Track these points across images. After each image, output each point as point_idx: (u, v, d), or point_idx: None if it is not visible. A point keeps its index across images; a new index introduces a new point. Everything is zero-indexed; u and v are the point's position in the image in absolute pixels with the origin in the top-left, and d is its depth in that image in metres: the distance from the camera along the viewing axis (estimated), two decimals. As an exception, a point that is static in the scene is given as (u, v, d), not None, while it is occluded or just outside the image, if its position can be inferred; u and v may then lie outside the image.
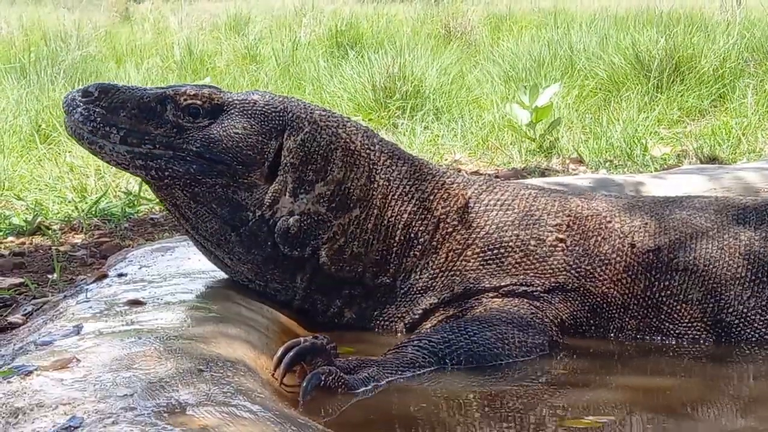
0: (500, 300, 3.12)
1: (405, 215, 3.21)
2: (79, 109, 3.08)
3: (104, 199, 5.40)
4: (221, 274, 3.35)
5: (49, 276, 4.05)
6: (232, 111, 3.13)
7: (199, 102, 3.12)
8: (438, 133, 7.52)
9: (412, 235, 3.21)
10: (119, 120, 3.08)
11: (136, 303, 3.03)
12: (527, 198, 3.33)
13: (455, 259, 3.20)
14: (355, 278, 3.21)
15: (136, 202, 5.39)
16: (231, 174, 3.10)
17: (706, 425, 2.56)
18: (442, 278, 3.19)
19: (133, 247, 4.02)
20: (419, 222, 3.22)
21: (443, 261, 3.21)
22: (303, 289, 3.20)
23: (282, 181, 3.13)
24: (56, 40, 11.58)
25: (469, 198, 3.28)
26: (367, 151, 3.22)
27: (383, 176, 3.21)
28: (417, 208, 3.23)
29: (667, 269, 3.19)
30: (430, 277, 3.20)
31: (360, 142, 3.21)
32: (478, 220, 3.25)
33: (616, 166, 6.52)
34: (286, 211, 3.13)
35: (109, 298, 3.11)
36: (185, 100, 3.12)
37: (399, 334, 3.20)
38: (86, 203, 5.36)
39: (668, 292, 3.17)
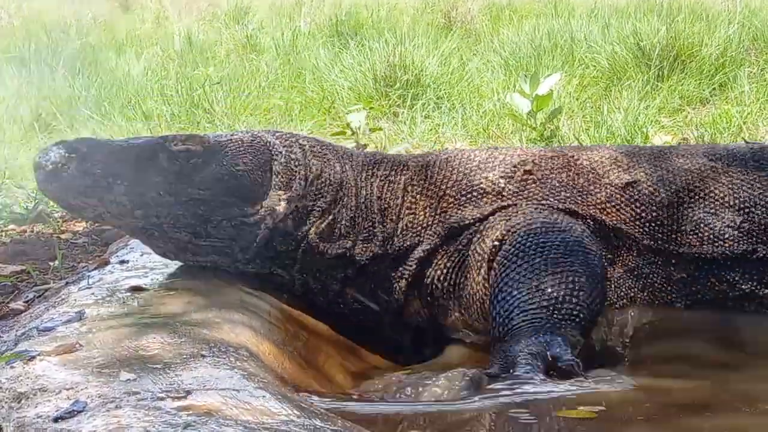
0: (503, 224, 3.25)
1: (375, 189, 3.38)
2: (72, 166, 3.02)
3: (105, 188, 5.38)
4: (223, 261, 3.34)
5: (51, 263, 4.04)
6: (227, 152, 3.21)
7: (192, 146, 3.16)
8: (438, 122, 7.50)
9: (386, 204, 3.36)
10: (118, 172, 3.06)
11: (138, 289, 3.03)
12: (483, 151, 3.49)
13: (433, 212, 3.35)
14: (346, 256, 3.30)
15: (137, 191, 5.37)
16: (241, 206, 3.18)
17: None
18: (427, 230, 3.33)
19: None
20: (388, 192, 3.38)
21: (422, 217, 3.35)
22: (299, 275, 3.27)
23: (275, 196, 3.25)
24: (56, 29, 11.57)
25: (428, 161, 3.45)
26: (329, 148, 3.42)
27: (350, 163, 3.40)
28: (383, 182, 3.39)
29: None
30: (415, 233, 3.34)
31: (318, 142, 3.43)
32: (443, 174, 3.40)
33: (617, 154, 6.50)
34: (281, 216, 3.23)
35: (111, 285, 3.11)
36: (176, 145, 3.15)
37: (401, 296, 3.32)
38: (87, 191, 5.34)
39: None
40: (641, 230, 3.30)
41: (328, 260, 3.28)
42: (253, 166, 3.22)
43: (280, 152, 3.29)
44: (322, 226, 3.28)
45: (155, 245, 3.21)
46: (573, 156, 3.44)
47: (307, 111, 7.83)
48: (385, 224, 3.35)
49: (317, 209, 3.29)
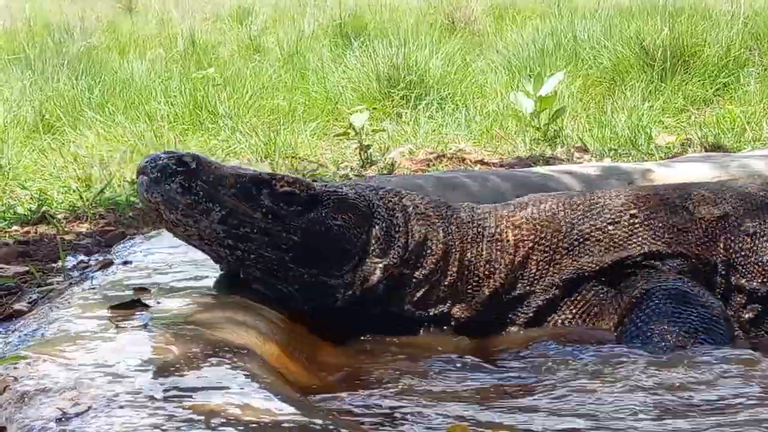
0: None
1: (484, 252, 3.31)
2: (178, 179, 2.99)
3: (109, 189, 5.40)
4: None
5: (54, 264, 4.04)
6: (328, 203, 3.16)
7: (296, 190, 3.13)
8: (442, 122, 7.51)
9: (495, 265, 3.30)
10: (219, 197, 3.04)
11: (141, 290, 3.02)
12: (582, 197, 3.46)
13: (546, 264, 3.32)
14: (439, 316, 3.26)
15: (140, 192, 5.37)
16: (326, 265, 3.13)
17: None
18: (540, 281, 3.31)
19: (138, 236, 4.01)
20: (498, 252, 3.31)
21: (535, 270, 3.32)
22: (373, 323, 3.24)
23: (371, 263, 3.18)
24: (60, 31, 11.58)
25: (533, 216, 3.40)
26: (435, 209, 3.33)
27: (455, 224, 3.32)
28: (491, 242, 3.32)
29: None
30: (526, 284, 3.31)
31: (424, 204, 3.33)
32: (552, 226, 3.36)
33: (620, 154, 6.51)
34: (373, 283, 3.16)
35: (115, 286, 3.11)
36: (282, 186, 3.11)
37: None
38: (91, 192, 5.36)
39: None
40: (734, 265, 3.33)
41: (418, 319, 3.24)
42: (352, 225, 3.17)
43: (383, 216, 3.23)
44: (418, 294, 3.22)
45: (222, 262, 3.17)
46: (664, 194, 3.44)
47: (311, 112, 7.84)
48: (491, 283, 3.29)
49: (415, 279, 3.22)
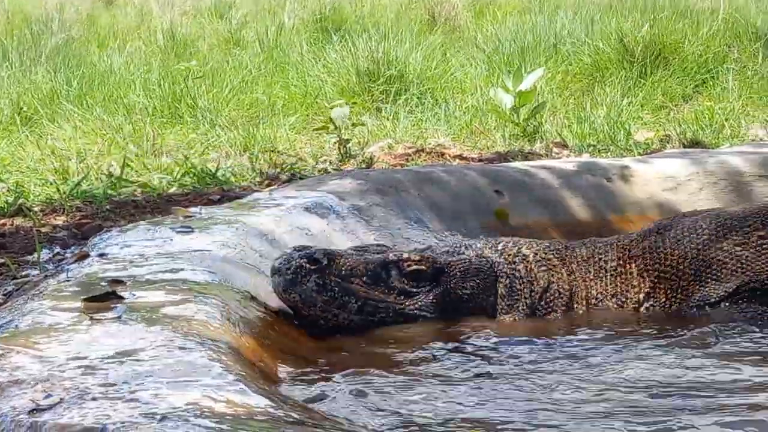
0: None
1: (609, 286, 3.37)
2: (313, 278, 3.11)
3: (86, 182, 5.37)
4: (203, 255, 3.33)
5: (30, 257, 4.02)
6: (455, 274, 3.27)
7: (423, 267, 3.24)
8: (421, 117, 7.50)
9: (623, 297, 3.36)
10: (353, 289, 3.15)
11: (116, 282, 3.00)
12: (708, 219, 3.46)
13: (674, 293, 3.35)
14: None
15: (118, 185, 5.36)
16: None
17: None
18: (671, 309, 3.34)
19: (114, 228, 3.99)
20: (624, 284, 3.37)
21: (664, 299, 3.35)
22: None
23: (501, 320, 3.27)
24: (38, 23, 11.52)
25: (653, 244, 3.43)
26: (555, 251, 3.42)
27: (575, 263, 3.41)
28: (615, 275, 3.37)
29: None
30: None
31: (543, 249, 3.42)
32: (676, 252, 3.37)
33: (599, 150, 6.52)
34: None
35: (90, 278, 3.09)
36: (409, 265, 3.23)
37: None
38: (68, 185, 5.33)
39: None
40: None
41: None
42: (479, 290, 3.28)
43: (504, 272, 3.31)
44: None
45: None
46: None
47: (290, 106, 7.83)
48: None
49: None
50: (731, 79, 8.01)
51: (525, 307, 3.28)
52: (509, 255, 3.37)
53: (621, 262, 3.38)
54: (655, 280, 3.35)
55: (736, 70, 8.27)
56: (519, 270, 3.32)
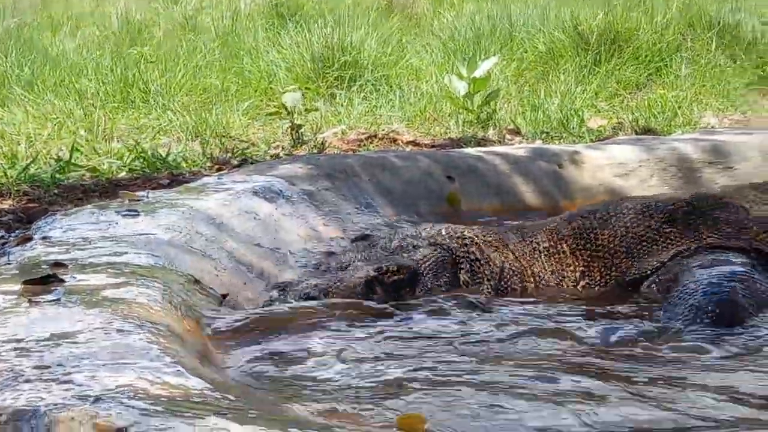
0: None
1: (545, 264, 3.49)
2: None
3: (34, 166, 5.31)
4: (148, 238, 3.30)
5: (-26, 241, 3.97)
6: (426, 271, 3.38)
7: (402, 275, 3.33)
8: (376, 103, 7.48)
9: (561, 276, 3.49)
10: None
11: (58, 265, 2.96)
12: (632, 202, 3.58)
13: (608, 270, 3.45)
14: None
15: (66, 169, 5.30)
16: None
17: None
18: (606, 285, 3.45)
19: (59, 212, 3.95)
20: (558, 263, 3.50)
21: (599, 276, 3.46)
22: None
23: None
24: (-10, 7, 11.39)
25: (582, 225, 3.54)
26: (493, 235, 3.53)
27: (512, 246, 3.50)
28: (549, 255, 3.51)
29: None
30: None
31: (480, 232, 3.53)
32: (607, 233, 3.49)
33: (552, 137, 6.53)
34: None
35: (32, 261, 3.05)
36: (389, 277, 3.31)
37: None
38: (16, 170, 5.27)
39: None
40: None
41: None
42: (451, 280, 3.39)
43: (463, 257, 3.43)
44: None
45: None
46: (718, 194, 3.57)
47: (245, 92, 7.78)
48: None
49: None
50: (684, 67, 8.04)
51: (490, 289, 3.35)
52: (459, 239, 3.43)
53: (552, 243, 3.47)
54: (588, 259, 3.44)
55: (690, 58, 8.30)
56: (474, 252, 3.39)
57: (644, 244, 3.41)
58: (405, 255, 3.41)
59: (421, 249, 3.41)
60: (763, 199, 3.48)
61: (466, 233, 3.47)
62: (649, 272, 3.39)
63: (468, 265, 3.38)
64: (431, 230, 3.53)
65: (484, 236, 3.49)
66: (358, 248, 3.53)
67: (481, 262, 3.40)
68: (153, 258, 3.15)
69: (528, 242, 3.49)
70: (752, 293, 3.03)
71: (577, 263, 3.45)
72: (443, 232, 3.48)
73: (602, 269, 3.44)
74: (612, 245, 3.44)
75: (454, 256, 3.40)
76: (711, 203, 3.49)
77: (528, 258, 3.46)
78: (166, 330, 2.47)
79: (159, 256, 3.19)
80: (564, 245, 3.47)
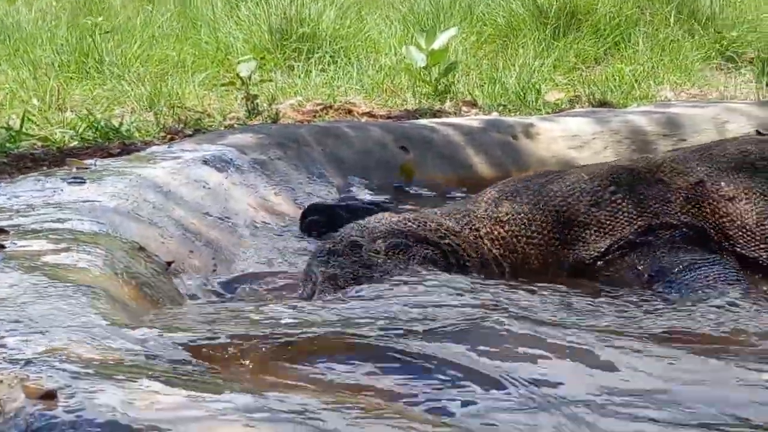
0: None
1: (488, 248, 3.32)
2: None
3: (-17, 135, 5.25)
4: (93, 205, 3.27)
5: None
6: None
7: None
8: (334, 75, 7.43)
9: (508, 260, 3.33)
10: None
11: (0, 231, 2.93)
12: (560, 178, 3.42)
13: (547, 261, 3.29)
14: None
15: (17, 138, 5.24)
16: None
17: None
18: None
19: (5, 179, 3.90)
20: (500, 249, 3.33)
21: (537, 264, 3.31)
22: None
23: None
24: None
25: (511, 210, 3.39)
26: (449, 218, 3.36)
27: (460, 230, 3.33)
28: (490, 240, 3.33)
29: None
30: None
31: (436, 218, 3.33)
32: (541, 216, 3.33)
33: (509, 110, 6.51)
34: None
35: (-27, 227, 3.01)
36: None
37: None
38: (-36, 139, 5.21)
39: None
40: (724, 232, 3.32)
41: None
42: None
43: (448, 251, 3.23)
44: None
45: None
46: (632, 168, 3.42)
47: (201, 63, 7.70)
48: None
49: None
50: (642, 41, 8.05)
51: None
52: (434, 231, 3.23)
53: (487, 229, 3.28)
54: (525, 246, 3.28)
55: (648, 33, 8.30)
56: (450, 244, 3.23)
57: (576, 230, 3.28)
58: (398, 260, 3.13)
59: (412, 248, 3.15)
60: (676, 169, 3.39)
61: (433, 221, 3.25)
62: (588, 261, 3.26)
63: (453, 259, 3.18)
64: (405, 223, 3.25)
65: (444, 221, 3.29)
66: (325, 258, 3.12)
67: (461, 250, 3.22)
68: (97, 225, 3.12)
69: (468, 228, 3.29)
70: None
71: (516, 249, 3.27)
72: (416, 224, 3.23)
73: (539, 257, 3.28)
74: (544, 232, 3.28)
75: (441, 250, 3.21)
76: (633, 178, 3.36)
77: (472, 243, 3.28)
78: (105, 295, 2.44)
79: (103, 223, 3.16)
80: (502, 230, 3.29)
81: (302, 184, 4.38)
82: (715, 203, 3.33)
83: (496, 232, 3.27)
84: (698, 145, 3.76)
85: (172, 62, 7.58)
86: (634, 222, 3.28)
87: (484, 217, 3.29)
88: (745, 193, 3.32)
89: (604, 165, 3.52)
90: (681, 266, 3.16)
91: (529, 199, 3.34)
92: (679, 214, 3.30)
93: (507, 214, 3.31)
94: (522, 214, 3.31)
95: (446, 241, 3.20)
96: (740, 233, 3.30)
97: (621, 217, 3.28)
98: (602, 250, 3.25)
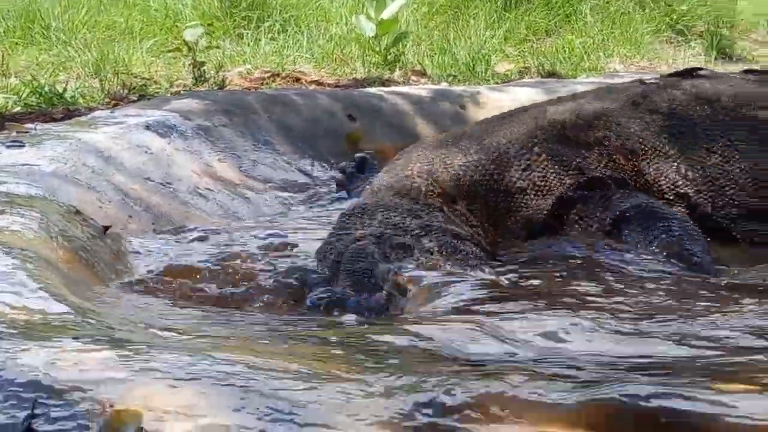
0: None
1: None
2: None
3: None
4: (30, 169, 3.22)
5: None
6: None
7: None
8: (284, 44, 7.37)
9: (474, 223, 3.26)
10: None
11: (-68, 194, 2.88)
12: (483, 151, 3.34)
13: (487, 235, 3.22)
14: None
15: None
16: None
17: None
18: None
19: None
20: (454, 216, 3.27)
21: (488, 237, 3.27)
22: None
23: None
24: None
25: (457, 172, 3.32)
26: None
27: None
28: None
29: None
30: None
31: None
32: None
33: (459, 80, 6.50)
34: None
35: None
36: None
37: None
38: None
39: None
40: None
41: None
42: None
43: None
44: None
45: None
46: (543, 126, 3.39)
47: (149, 29, 7.61)
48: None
49: None
50: (592, 14, 8.06)
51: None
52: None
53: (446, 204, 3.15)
54: (481, 219, 3.18)
55: (599, 5, 8.31)
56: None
57: (518, 196, 3.22)
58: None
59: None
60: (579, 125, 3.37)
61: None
62: (539, 222, 3.21)
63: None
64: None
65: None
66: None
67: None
68: (34, 188, 3.08)
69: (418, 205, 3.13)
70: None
71: (472, 210, 3.17)
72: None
73: (490, 229, 3.18)
74: (489, 202, 3.20)
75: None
76: (550, 136, 3.32)
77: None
78: (36, 257, 2.40)
79: (40, 187, 3.11)
80: (458, 205, 3.19)
81: (247, 151, 4.34)
82: (621, 155, 3.34)
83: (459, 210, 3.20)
84: (591, 92, 3.71)
85: (119, 29, 7.49)
86: (564, 180, 3.27)
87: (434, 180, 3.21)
88: (640, 143, 3.35)
89: (514, 125, 3.40)
90: (632, 213, 3.16)
91: (472, 175, 3.24)
92: (600, 168, 3.30)
93: (450, 179, 3.22)
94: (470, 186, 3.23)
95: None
96: (649, 182, 3.32)
97: (551, 178, 3.28)
98: (548, 209, 3.24)
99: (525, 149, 3.30)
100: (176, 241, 3.25)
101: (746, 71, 3.84)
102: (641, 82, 3.63)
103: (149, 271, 2.83)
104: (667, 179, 3.31)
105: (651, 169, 3.32)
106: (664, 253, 3.00)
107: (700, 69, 3.75)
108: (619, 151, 3.33)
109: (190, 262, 2.95)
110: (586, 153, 3.31)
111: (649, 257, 2.96)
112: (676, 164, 3.33)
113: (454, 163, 3.22)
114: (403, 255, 2.79)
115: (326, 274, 2.72)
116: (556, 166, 3.28)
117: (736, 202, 3.33)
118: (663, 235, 3.07)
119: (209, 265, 2.90)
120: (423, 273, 2.65)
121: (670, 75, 3.73)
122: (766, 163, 3.33)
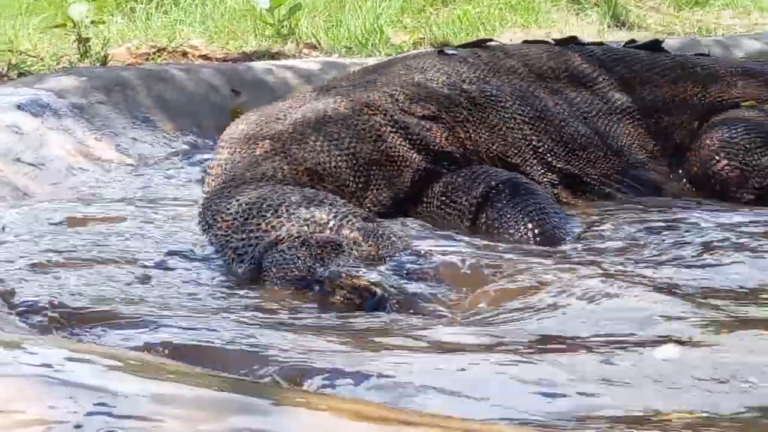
0: None
1: None
2: None
3: None
4: None
5: None
6: None
7: None
8: (176, 18, 7.24)
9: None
10: None
11: None
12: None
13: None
14: None
15: None
16: None
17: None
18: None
19: None
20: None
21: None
22: None
23: None
24: None
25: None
26: None
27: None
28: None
29: None
30: None
31: None
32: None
33: (353, 52, 6.43)
34: None
35: None
36: None
37: None
38: None
39: None
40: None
41: None
42: None
43: None
44: None
45: None
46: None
47: (38, 5, 7.43)
48: None
49: None
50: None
51: None
52: None
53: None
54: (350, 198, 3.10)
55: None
56: None
57: (374, 169, 3.18)
58: None
59: None
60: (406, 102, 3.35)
61: None
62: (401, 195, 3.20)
63: None
64: None
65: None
66: None
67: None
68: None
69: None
70: None
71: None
72: None
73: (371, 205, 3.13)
74: (348, 183, 3.14)
75: None
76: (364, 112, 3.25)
77: None
78: None
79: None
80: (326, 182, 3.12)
81: (126, 129, 4.25)
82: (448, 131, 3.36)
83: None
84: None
85: (5, 3, 7.30)
86: (413, 159, 3.24)
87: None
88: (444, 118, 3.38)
89: (347, 101, 3.31)
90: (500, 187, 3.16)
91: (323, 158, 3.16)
92: (442, 143, 3.31)
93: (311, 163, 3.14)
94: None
95: None
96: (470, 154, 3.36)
97: (406, 152, 3.24)
98: (408, 184, 3.22)
99: (378, 124, 3.26)
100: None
101: (628, 42, 4.00)
102: (440, 52, 3.64)
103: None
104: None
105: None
106: (530, 226, 3.04)
107: (491, 40, 3.87)
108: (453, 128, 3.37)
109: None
110: (429, 127, 3.31)
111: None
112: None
113: (309, 140, 3.16)
114: (334, 253, 2.62)
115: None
116: (404, 139, 3.26)
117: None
118: (530, 209, 3.09)
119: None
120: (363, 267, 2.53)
121: (464, 45, 3.81)
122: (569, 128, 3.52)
